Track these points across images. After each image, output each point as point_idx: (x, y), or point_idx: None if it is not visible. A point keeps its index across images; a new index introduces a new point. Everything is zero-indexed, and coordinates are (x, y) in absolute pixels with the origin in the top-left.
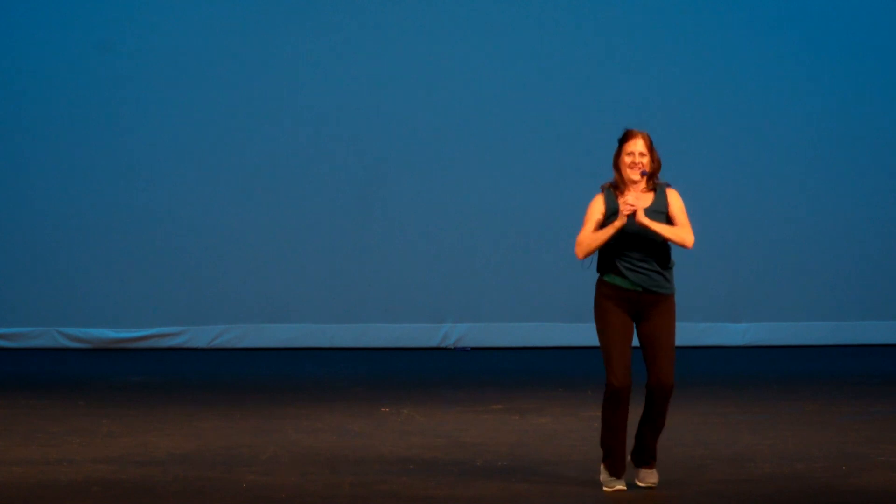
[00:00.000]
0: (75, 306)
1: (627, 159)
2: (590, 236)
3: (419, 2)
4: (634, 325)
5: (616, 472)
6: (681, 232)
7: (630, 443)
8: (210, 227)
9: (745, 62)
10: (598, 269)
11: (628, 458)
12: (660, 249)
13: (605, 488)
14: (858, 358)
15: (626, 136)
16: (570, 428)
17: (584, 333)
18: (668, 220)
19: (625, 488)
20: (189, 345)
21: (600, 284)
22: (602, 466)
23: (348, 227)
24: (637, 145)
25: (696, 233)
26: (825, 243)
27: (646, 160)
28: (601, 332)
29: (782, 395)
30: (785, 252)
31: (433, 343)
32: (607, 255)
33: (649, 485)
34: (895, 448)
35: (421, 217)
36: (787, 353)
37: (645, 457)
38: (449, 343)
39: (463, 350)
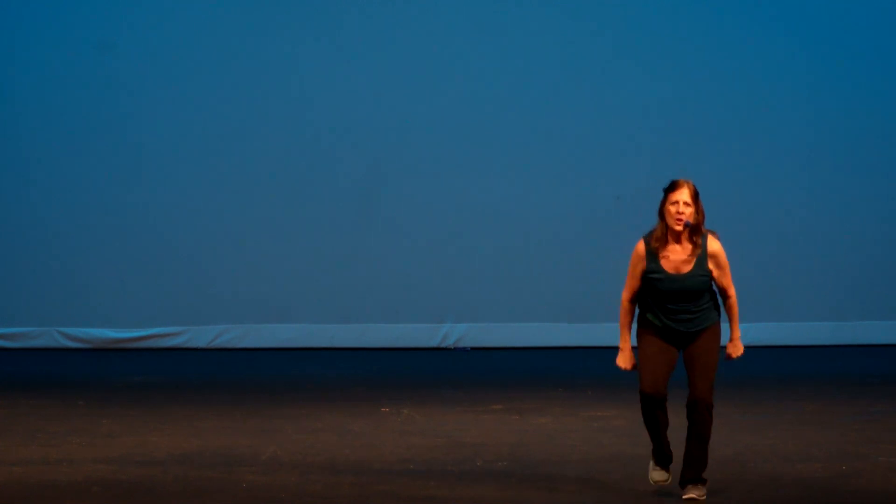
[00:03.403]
0: (75, 306)
1: (672, 209)
2: (621, 320)
3: (421, 2)
4: (680, 350)
5: (660, 463)
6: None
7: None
8: (210, 227)
9: (747, 62)
10: (639, 307)
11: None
12: (700, 298)
13: (650, 479)
14: (858, 358)
15: (671, 186)
16: (570, 428)
17: (585, 333)
18: (710, 280)
19: (665, 479)
20: (189, 345)
21: (642, 319)
22: (651, 462)
23: (348, 228)
24: (682, 195)
25: None
26: (825, 243)
27: (690, 210)
28: (640, 349)
29: (782, 395)
30: (785, 252)
31: (433, 343)
32: (647, 303)
33: (691, 497)
34: (895, 448)
35: (421, 217)
36: (787, 353)
37: (690, 477)
38: (449, 343)
39: (463, 350)
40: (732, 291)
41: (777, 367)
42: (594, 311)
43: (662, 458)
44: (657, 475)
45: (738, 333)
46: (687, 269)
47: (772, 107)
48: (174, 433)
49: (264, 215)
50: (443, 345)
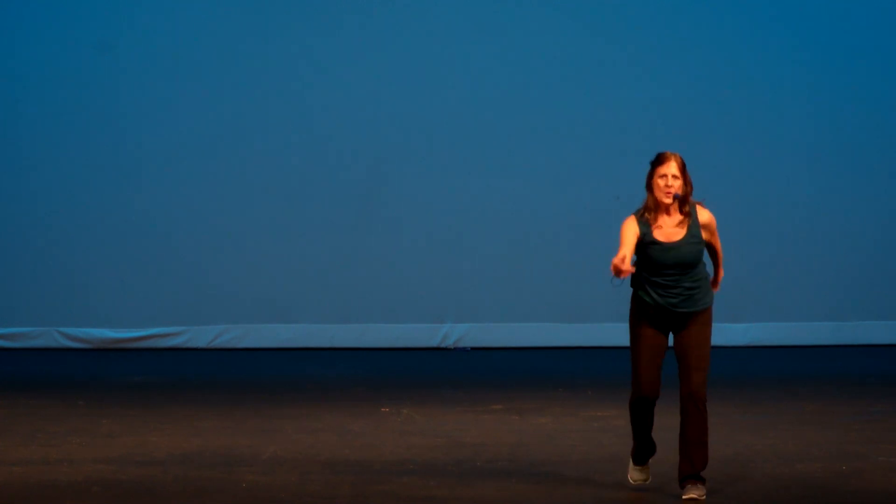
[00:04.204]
0: (75, 306)
1: (661, 182)
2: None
3: (421, 2)
4: (671, 334)
5: (638, 461)
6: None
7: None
8: (210, 227)
9: (746, 61)
10: (632, 285)
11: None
12: (692, 270)
13: (629, 477)
14: (858, 358)
15: (658, 159)
16: (570, 428)
17: (585, 333)
18: (702, 246)
19: (646, 479)
20: (189, 345)
21: (634, 297)
22: (630, 462)
23: (348, 227)
24: (670, 168)
25: None
26: (825, 243)
27: (678, 183)
28: (632, 341)
29: (782, 395)
30: (785, 252)
31: (433, 343)
32: (639, 276)
33: (691, 497)
34: (895, 448)
35: (421, 217)
36: (787, 353)
37: (689, 475)
38: (449, 343)
39: (463, 350)
40: (720, 246)
41: (777, 367)
42: (594, 311)
43: (644, 455)
44: (638, 475)
45: (720, 276)
46: (679, 236)
47: (772, 107)
48: (174, 433)
49: (264, 215)
50: (443, 345)
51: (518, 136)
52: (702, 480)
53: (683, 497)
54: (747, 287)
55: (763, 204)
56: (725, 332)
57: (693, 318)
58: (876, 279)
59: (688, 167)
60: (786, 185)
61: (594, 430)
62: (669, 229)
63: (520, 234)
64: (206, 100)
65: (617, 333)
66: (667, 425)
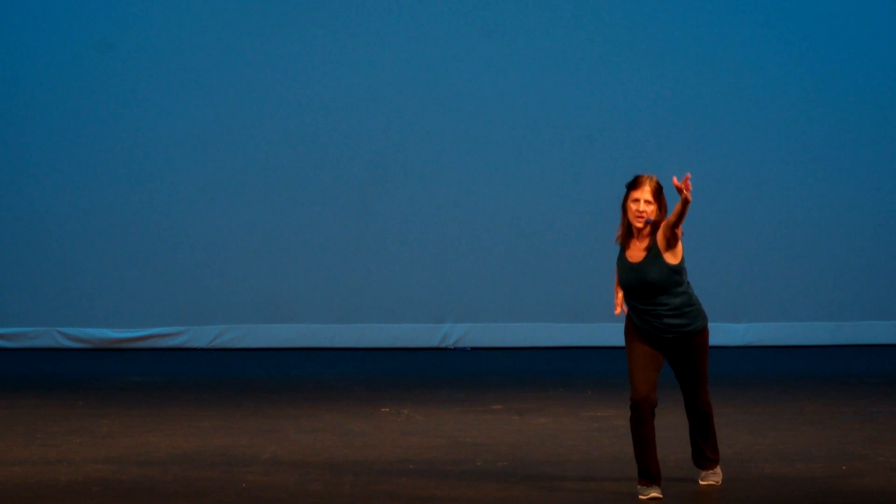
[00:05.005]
0: (75, 306)
1: (633, 206)
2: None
3: (422, 3)
4: (664, 353)
5: (649, 483)
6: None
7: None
8: (210, 227)
9: (745, 61)
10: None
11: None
12: (664, 296)
13: (640, 496)
14: (858, 358)
15: (633, 183)
16: (570, 428)
17: (585, 333)
18: (670, 273)
19: (660, 496)
20: (189, 345)
21: (627, 316)
22: (637, 481)
23: (348, 227)
24: (644, 193)
25: (696, 234)
26: (825, 243)
27: (651, 208)
28: (627, 352)
29: (782, 395)
30: (785, 252)
31: (433, 343)
32: (626, 299)
33: (710, 483)
34: (895, 448)
35: (421, 217)
36: (787, 353)
37: (702, 460)
38: (449, 343)
39: (463, 350)
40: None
41: (777, 367)
42: (594, 311)
43: (651, 478)
44: (653, 492)
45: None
46: (641, 257)
47: (772, 107)
48: (174, 433)
49: (264, 215)
50: (443, 345)
51: (518, 136)
52: (712, 466)
53: (701, 482)
54: (747, 287)
55: (763, 204)
56: (725, 332)
57: (683, 344)
58: (876, 279)
59: (685, 169)
60: (786, 185)
61: (594, 430)
62: (636, 251)
63: (520, 234)
64: (205, 99)
65: (617, 333)
66: (667, 424)
